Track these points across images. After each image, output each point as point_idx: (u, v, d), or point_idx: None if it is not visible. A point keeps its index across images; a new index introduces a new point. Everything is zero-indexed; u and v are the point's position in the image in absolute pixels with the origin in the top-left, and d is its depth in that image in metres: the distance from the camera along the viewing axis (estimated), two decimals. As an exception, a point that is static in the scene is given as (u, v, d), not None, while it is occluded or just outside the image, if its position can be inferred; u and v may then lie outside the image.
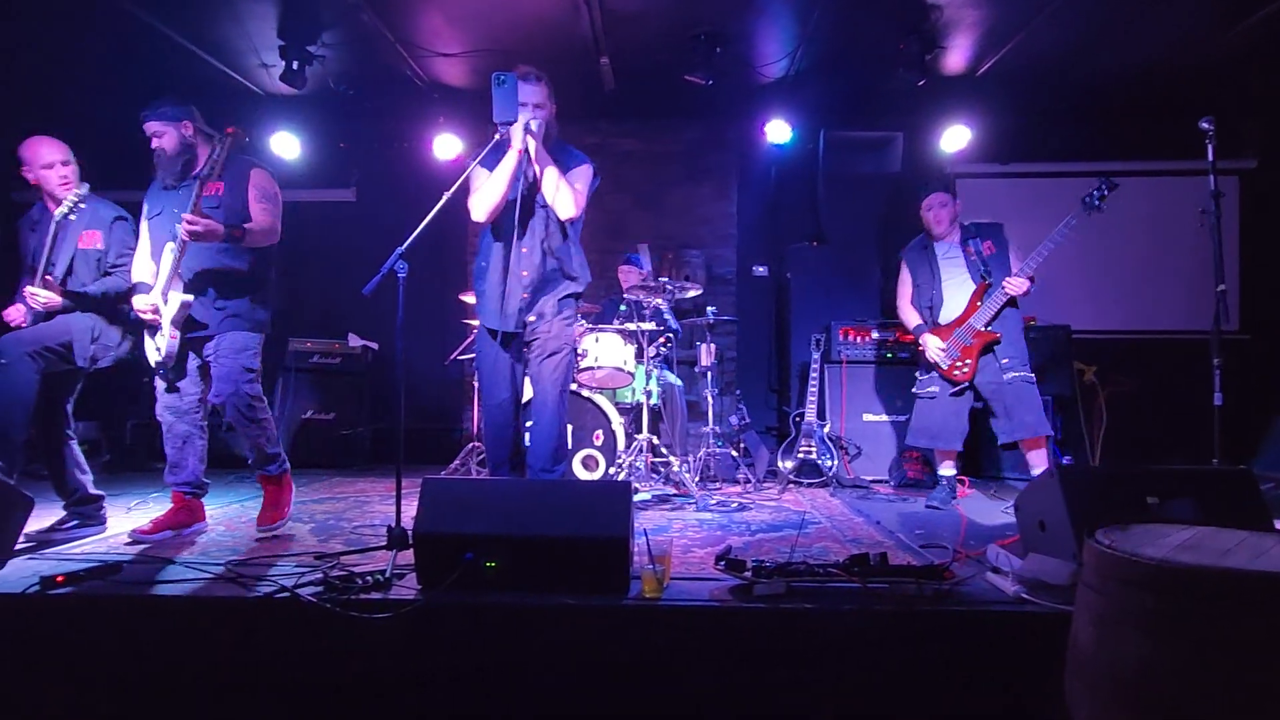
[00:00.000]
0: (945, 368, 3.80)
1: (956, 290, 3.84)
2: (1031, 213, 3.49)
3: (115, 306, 3.14)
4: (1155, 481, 2.41)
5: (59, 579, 2.23)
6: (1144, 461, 2.51)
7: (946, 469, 4.01)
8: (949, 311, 3.85)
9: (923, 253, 3.98)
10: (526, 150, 2.93)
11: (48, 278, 3.01)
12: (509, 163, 2.94)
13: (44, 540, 2.91)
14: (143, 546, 2.84)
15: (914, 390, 4.04)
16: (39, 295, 2.96)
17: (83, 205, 3.10)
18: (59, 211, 3.07)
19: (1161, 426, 5.39)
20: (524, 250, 3.03)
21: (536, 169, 2.98)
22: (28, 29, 4.77)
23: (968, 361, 3.74)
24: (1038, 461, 3.66)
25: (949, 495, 3.96)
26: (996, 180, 5.94)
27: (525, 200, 3.02)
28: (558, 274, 3.10)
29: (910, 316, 4.02)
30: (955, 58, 5.03)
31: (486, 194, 2.99)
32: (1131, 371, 5.57)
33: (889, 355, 5.04)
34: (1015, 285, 3.64)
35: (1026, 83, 5.30)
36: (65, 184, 3.08)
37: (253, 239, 2.96)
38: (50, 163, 3.06)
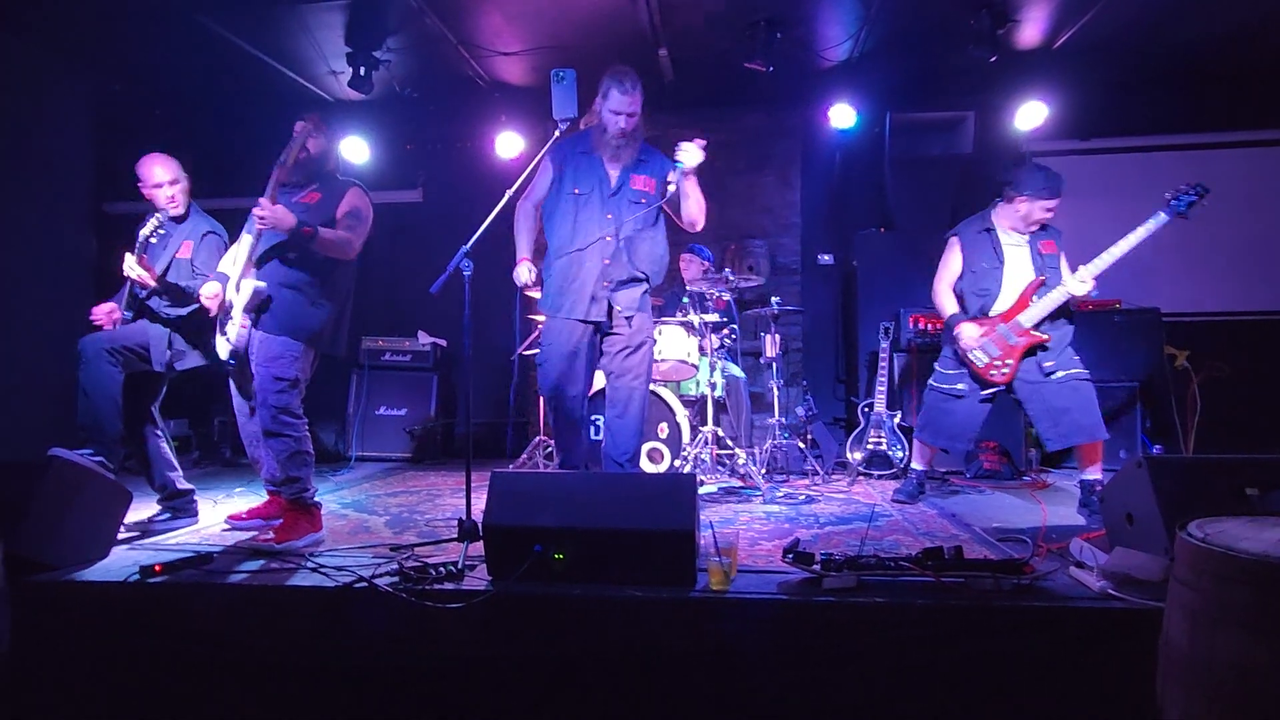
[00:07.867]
0: (981, 366, 3.42)
1: (1013, 282, 3.47)
2: (1114, 191, 3.31)
3: (190, 319, 3.21)
4: (1254, 471, 2.28)
5: (157, 568, 2.37)
6: (1242, 452, 2.36)
7: (921, 463, 3.80)
8: (999, 304, 3.47)
9: (984, 235, 3.56)
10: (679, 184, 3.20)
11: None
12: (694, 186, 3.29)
13: (142, 531, 3.09)
14: (235, 539, 2.97)
15: (933, 383, 3.66)
16: (134, 268, 3.08)
17: (161, 231, 3.24)
18: (143, 232, 3.22)
19: (1262, 414, 5.07)
20: (608, 239, 3.12)
21: (687, 191, 3.24)
22: (124, 53, 5.07)
23: (1008, 362, 3.37)
24: (1094, 469, 3.32)
25: (917, 490, 3.77)
26: (1076, 158, 5.66)
27: (614, 195, 3.14)
28: (638, 272, 3.19)
29: (948, 301, 3.60)
30: (1030, 31, 4.81)
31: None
32: (1227, 355, 5.23)
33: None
34: (1080, 286, 3.26)
35: (1108, 53, 5.03)
36: (172, 203, 3.25)
37: (323, 244, 2.86)
38: (159, 183, 3.24)
